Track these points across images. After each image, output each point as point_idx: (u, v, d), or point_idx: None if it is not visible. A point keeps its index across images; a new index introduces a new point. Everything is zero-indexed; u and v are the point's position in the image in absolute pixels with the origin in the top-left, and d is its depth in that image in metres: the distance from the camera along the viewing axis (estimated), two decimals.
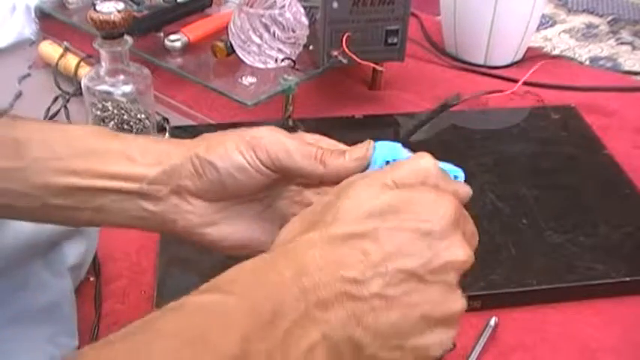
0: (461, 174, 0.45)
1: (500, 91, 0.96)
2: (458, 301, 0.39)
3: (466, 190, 0.42)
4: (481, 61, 1.07)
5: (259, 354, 0.33)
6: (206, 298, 0.35)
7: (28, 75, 1.00)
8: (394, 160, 0.44)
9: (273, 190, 0.48)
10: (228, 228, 0.47)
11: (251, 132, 0.45)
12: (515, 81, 1.03)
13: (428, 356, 0.38)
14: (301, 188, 0.49)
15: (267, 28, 0.85)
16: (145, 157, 0.46)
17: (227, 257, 0.52)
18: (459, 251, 0.38)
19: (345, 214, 0.38)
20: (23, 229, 0.52)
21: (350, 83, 1.00)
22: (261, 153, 0.44)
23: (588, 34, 1.22)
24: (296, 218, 0.41)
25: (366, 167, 0.45)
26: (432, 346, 0.38)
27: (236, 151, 0.45)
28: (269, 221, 0.48)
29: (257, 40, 0.86)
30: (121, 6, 0.76)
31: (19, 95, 0.95)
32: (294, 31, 0.86)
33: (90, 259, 0.65)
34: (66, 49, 0.98)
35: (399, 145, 0.44)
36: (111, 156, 0.46)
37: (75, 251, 0.60)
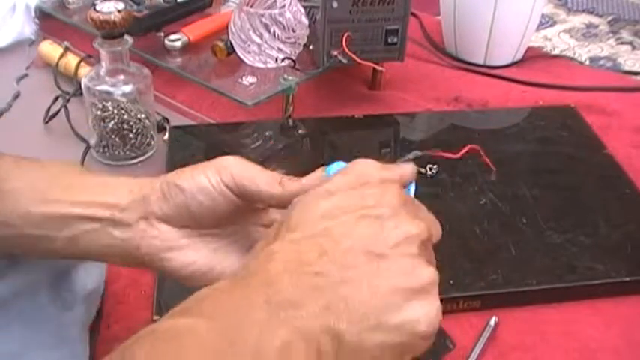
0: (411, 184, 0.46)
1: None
2: (424, 270, 0.39)
3: (410, 169, 0.45)
4: (481, 61, 1.07)
5: None
6: (178, 322, 0.36)
7: (26, 75, 1.00)
8: None
9: (236, 223, 0.50)
10: (192, 255, 0.48)
11: (218, 160, 0.48)
12: (515, 81, 1.03)
13: (419, 332, 0.38)
14: (263, 228, 0.51)
15: (267, 27, 0.85)
16: (118, 189, 0.49)
17: None
18: (411, 225, 0.40)
19: (297, 222, 0.40)
20: (25, 262, 0.52)
21: (350, 83, 1.00)
22: (225, 177, 0.47)
23: (588, 34, 1.23)
24: (260, 241, 0.43)
25: None
26: (416, 320, 0.38)
27: (202, 175, 0.47)
28: (230, 255, 0.49)
29: (257, 39, 0.86)
30: (121, 6, 0.76)
31: (17, 95, 0.95)
32: (294, 31, 0.86)
33: (102, 282, 0.63)
34: (66, 49, 0.98)
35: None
36: (87, 187, 0.49)
37: (87, 276, 0.59)
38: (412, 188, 0.46)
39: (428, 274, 0.39)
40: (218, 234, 0.50)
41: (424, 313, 0.38)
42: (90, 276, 0.59)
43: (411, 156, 0.78)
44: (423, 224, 0.41)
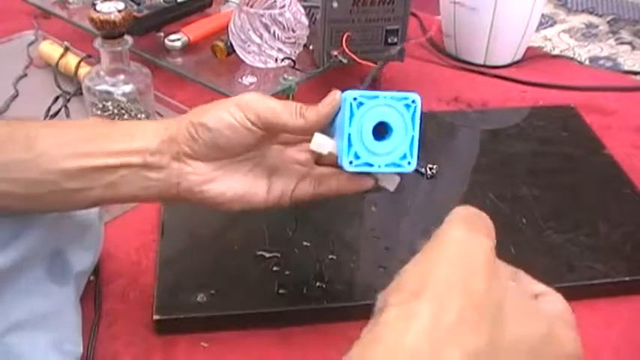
0: (417, 98, 0.48)
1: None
2: None
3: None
4: (481, 61, 1.07)
5: None
6: None
7: (25, 75, 1.00)
8: (362, 96, 0.48)
9: (260, 149, 0.54)
10: (226, 183, 0.53)
11: (238, 97, 0.52)
12: (515, 81, 1.03)
13: None
14: (283, 147, 0.57)
15: (267, 27, 0.85)
16: (144, 134, 0.52)
17: (226, 256, 0.53)
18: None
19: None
20: (27, 236, 0.53)
21: (350, 83, 1.00)
22: (249, 113, 0.50)
23: (588, 34, 1.23)
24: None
25: (338, 110, 0.50)
26: None
27: (226, 113, 0.51)
28: (259, 176, 0.54)
29: (257, 39, 0.86)
30: (121, 6, 0.76)
31: (16, 95, 0.95)
32: (294, 31, 0.86)
33: (94, 263, 0.64)
34: (66, 49, 0.98)
35: (363, 91, 0.49)
36: (115, 137, 0.51)
37: (80, 258, 0.60)
38: (416, 129, 0.48)
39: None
40: (245, 159, 0.54)
41: None
42: (84, 256, 0.61)
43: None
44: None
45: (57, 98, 0.93)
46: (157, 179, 0.51)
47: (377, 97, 0.48)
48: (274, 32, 0.85)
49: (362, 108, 0.47)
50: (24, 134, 0.50)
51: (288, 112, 0.50)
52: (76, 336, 0.56)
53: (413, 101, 0.48)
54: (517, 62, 1.09)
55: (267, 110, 0.50)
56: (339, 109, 0.50)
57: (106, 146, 0.50)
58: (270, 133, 0.52)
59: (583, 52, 1.17)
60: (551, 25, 1.25)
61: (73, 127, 0.53)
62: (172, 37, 0.94)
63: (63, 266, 0.57)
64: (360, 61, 0.88)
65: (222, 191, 0.52)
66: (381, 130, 0.48)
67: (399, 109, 0.48)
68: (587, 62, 1.14)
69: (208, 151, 0.51)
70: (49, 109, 0.91)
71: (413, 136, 0.48)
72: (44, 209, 0.53)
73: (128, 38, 0.78)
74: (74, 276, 0.59)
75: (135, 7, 0.94)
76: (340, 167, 0.50)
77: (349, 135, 0.47)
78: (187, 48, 0.94)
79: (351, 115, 0.47)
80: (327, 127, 0.51)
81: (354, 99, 0.47)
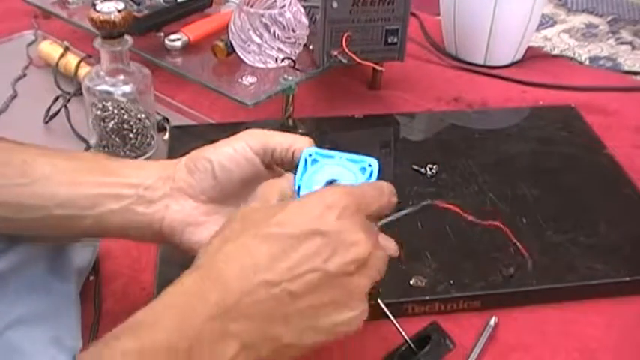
0: (374, 163, 0.50)
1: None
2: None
3: (373, 191, 0.48)
4: (481, 61, 1.07)
5: None
6: (124, 345, 0.40)
7: (25, 75, 1.00)
8: (318, 154, 0.51)
9: (252, 188, 0.52)
10: (208, 232, 0.51)
11: (240, 133, 0.53)
12: (515, 81, 1.03)
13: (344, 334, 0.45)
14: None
15: (267, 27, 0.85)
16: (142, 170, 0.53)
17: None
18: (357, 247, 0.44)
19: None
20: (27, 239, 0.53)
21: (350, 83, 1.01)
22: (250, 140, 0.52)
23: (588, 33, 1.23)
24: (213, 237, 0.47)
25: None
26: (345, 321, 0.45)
27: (227, 146, 0.52)
28: None
29: (257, 39, 0.86)
30: (121, 6, 0.76)
31: (16, 95, 0.95)
32: (294, 31, 0.86)
33: (93, 260, 0.65)
34: (66, 49, 0.98)
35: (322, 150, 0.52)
36: (112, 170, 0.53)
37: (79, 254, 0.60)
38: (375, 166, 0.50)
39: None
40: (237, 205, 0.52)
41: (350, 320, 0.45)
42: (83, 251, 0.62)
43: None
44: (367, 247, 0.45)
45: (57, 98, 0.93)
46: (144, 214, 0.51)
47: (333, 157, 0.50)
48: (274, 32, 0.85)
49: (315, 165, 0.50)
50: (21, 159, 0.51)
51: (281, 137, 0.52)
52: (76, 331, 0.56)
53: (370, 165, 0.50)
54: (517, 62, 1.09)
55: (262, 134, 0.53)
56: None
57: (101, 178, 0.52)
58: (267, 164, 0.53)
59: (583, 52, 1.17)
60: (551, 25, 1.25)
61: (72, 159, 0.54)
62: (172, 37, 0.94)
63: (64, 262, 0.58)
64: (360, 61, 0.88)
65: (203, 238, 0.52)
66: None
67: (354, 172, 0.50)
68: (587, 62, 1.14)
69: (204, 186, 0.52)
70: (49, 109, 0.91)
71: None
72: (33, 235, 0.53)
73: (128, 38, 0.78)
74: (76, 272, 0.59)
75: (135, 7, 0.94)
76: None
77: (299, 187, 0.50)
78: (187, 48, 0.94)
79: (304, 170, 0.50)
80: None
81: (310, 155, 0.50)
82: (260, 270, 0.42)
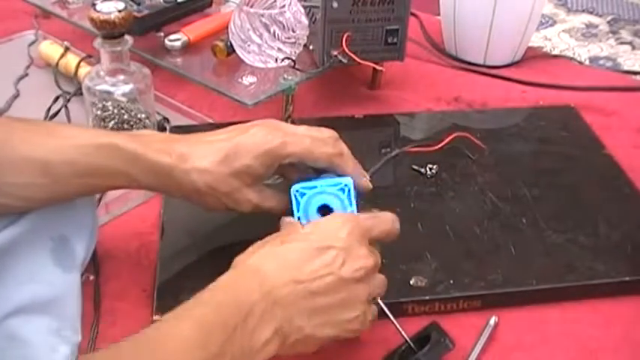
0: (349, 182, 0.58)
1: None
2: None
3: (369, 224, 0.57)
4: (481, 61, 1.07)
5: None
6: (183, 325, 0.47)
7: (26, 75, 1.00)
8: (303, 188, 0.59)
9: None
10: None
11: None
12: (515, 81, 1.03)
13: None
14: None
15: (267, 27, 0.85)
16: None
17: (226, 256, 0.53)
18: (363, 259, 0.54)
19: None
20: (33, 220, 0.54)
21: (350, 83, 1.01)
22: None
23: (588, 33, 1.23)
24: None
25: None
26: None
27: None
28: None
29: (257, 39, 0.86)
30: (121, 6, 0.76)
31: (17, 95, 0.95)
32: (294, 31, 0.86)
33: (90, 255, 0.64)
34: (66, 49, 0.98)
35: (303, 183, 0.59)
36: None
37: (82, 247, 0.60)
38: (353, 205, 0.58)
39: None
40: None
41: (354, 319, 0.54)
42: (83, 245, 0.61)
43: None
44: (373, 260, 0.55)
45: (57, 98, 0.93)
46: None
47: (315, 187, 0.58)
48: (274, 32, 0.85)
49: (304, 197, 0.58)
50: (45, 125, 0.60)
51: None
52: (76, 323, 0.57)
53: (345, 185, 0.58)
54: (517, 62, 1.09)
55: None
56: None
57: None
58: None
59: (583, 52, 1.17)
60: (551, 25, 1.25)
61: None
62: (172, 37, 0.94)
63: (68, 253, 0.58)
64: (360, 61, 0.88)
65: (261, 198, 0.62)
66: (326, 211, 0.58)
67: (335, 193, 0.58)
68: (587, 62, 1.14)
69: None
70: (49, 109, 0.91)
71: (352, 211, 0.58)
72: (61, 195, 0.56)
73: (128, 38, 0.78)
74: (78, 264, 0.59)
75: (135, 7, 0.94)
76: None
77: (299, 218, 0.58)
78: (187, 48, 0.94)
79: (297, 203, 0.58)
80: None
81: (297, 191, 0.58)
82: (290, 269, 0.51)
